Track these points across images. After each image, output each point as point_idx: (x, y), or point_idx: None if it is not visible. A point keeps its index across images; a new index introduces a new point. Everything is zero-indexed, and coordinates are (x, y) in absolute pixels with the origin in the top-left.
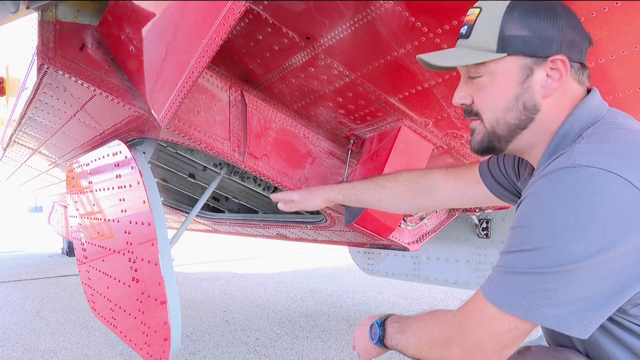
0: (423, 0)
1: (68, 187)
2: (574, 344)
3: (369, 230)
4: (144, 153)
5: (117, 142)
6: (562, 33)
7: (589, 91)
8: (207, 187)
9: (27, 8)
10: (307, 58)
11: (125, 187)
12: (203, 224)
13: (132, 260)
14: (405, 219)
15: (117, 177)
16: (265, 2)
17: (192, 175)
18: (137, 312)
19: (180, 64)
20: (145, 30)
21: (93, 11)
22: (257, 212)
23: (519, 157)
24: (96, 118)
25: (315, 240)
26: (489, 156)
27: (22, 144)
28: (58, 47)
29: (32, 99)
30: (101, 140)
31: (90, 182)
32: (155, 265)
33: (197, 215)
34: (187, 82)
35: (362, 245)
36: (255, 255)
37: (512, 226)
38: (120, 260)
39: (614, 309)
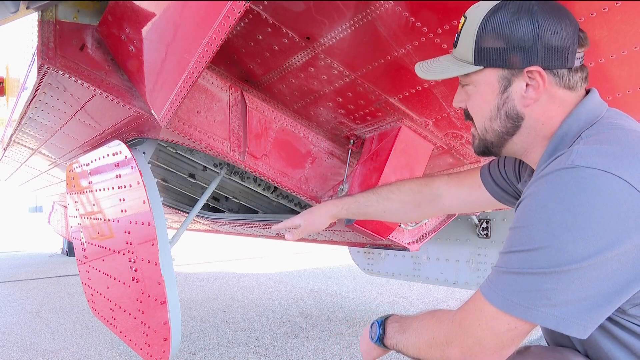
0: (423, 0)
1: (68, 187)
2: (574, 344)
3: (369, 230)
4: (144, 153)
5: (117, 142)
6: (540, 42)
7: (588, 91)
8: (207, 187)
9: (27, 8)
10: (307, 58)
11: (125, 187)
12: (203, 224)
13: (132, 260)
14: None
15: (117, 177)
16: (265, 2)
17: (192, 175)
18: (137, 312)
19: (180, 64)
20: (145, 30)
21: (93, 11)
22: (257, 212)
23: (520, 159)
24: (96, 118)
25: (315, 240)
26: (490, 159)
27: (22, 144)
28: (58, 47)
29: (32, 99)
30: (101, 140)
31: (90, 182)
32: (155, 265)
33: (197, 215)
34: (187, 82)
35: (362, 245)
36: (255, 255)
37: (511, 226)
38: (120, 260)
39: (612, 309)
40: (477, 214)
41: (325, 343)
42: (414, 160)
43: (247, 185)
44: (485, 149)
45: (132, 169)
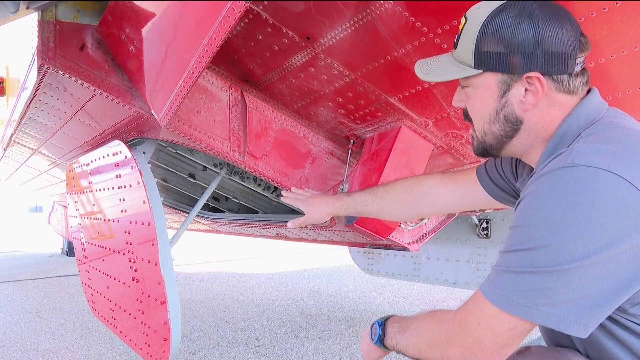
0: (423, 0)
1: (68, 187)
2: (574, 344)
3: (368, 230)
4: (144, 153)
5: (117, 142)
6: (540, 48)
7: (589, 91)
8: (207, 187)
9: (27, 8)
10: (307, 58)
11: (125, 187)
12: (203, 224)
13: (132, 260)
14: None
15: (117, 177)
16: (265, 2)
17: (192, 175)
18: (137, 312)
19: (180, 64)
20: (145, 30)
21: (93, 11)
22: (257, 212)
23: (517, 158)
24: (96, 118)
25: (315, 240)
26: (488, 158)
27: (22, 144)
28: (58, 47)
29: (32, 99)
30: (101, 140)
31: (90, 182)
32: (155, 265)
33: (197, 215)
34: (187, 82)
35: (362, 245)
36: (255, 255)
37: (511, 225)
38: (120, 260)
39: (613, 308)
40: (477, 213)
41: (325, 343)
42: (414, 160)
43: (247, 185)
44: (484, 151)
45: (132, 169)
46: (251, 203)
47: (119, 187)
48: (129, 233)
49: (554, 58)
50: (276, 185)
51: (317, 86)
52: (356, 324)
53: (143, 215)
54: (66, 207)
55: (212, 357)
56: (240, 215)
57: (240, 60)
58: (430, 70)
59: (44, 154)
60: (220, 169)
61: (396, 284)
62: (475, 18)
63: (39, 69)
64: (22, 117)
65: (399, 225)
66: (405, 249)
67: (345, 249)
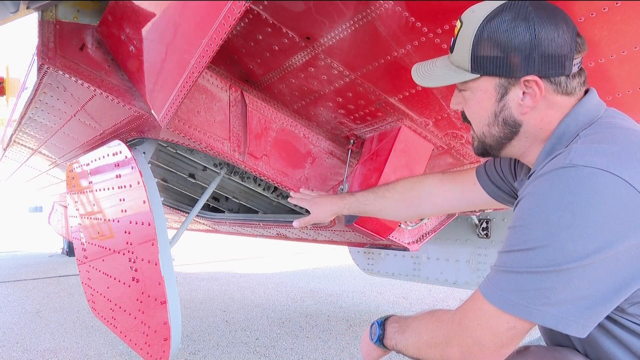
0: (423, 0)
1: (68, 187)
2: (573, 344)
3: (369, 230)
4: (144, 153)
5: (117, 142)
6: (537, 51)
7: (587, 91)
8: (207, 187)
9: (27, 8)
10: (307, 58)
11: (125, 187)
12: (203, 224)
13: (132, 260)
14: None
15: (117, 177)
16: (265, 2)
17: (192, 175)
18: (137, 312)
19: (180, 64)
20: (145, 30)
21: (93, 11)
22: (257, 212)
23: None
24: (96, 118)
25: (315, 240)
26: (488, 158)
27: (22, 144)
28: (58, 47)
29: (32, 99)
30: (101, 140)
31: (90, 182)
32: (155, 265)
33: (197, 215)
34: (187, 82)
35: (362, 245)
36: (255, 255)
37: (510, 226)
38: (120, 260)
39: (611, 307)
40: (477, 213)
41: (325, 343)
42: (414, 160)
43: (247, 185)
44: (484, 151)
45: (132, 169)
46: (251, 203)
47: (119, 187)
48: (129, 233)
49: (551, 60)
50: (276, 185)
51: (317, 86)
52: (356, 324)
53: (143, 215)
54: (66, 207)
55: (212, 357)
56: (240, 215)
57: (240, 60)
58: (427, 75)
59: (44, 154)
60: (220, 169)
61: (396, 284)
62: (470, 22)
63: (39, 69)
64: (22, 117)
65: (399, 225)
66: (405, 249)
67: (345, 249)
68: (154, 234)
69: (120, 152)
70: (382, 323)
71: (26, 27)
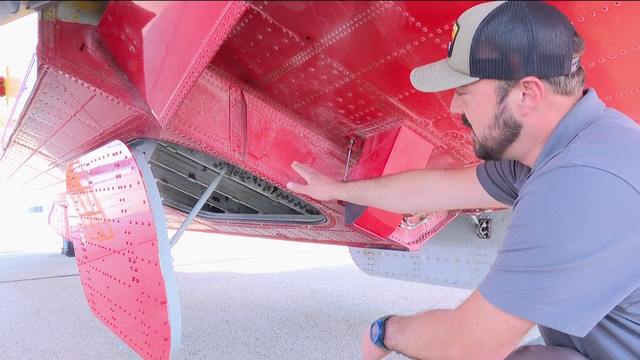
0: (423, 0)
1: (68, 187)
2: (573, 343)
3: (369, 230)
4: (144, 153)
5: (117, 142)
6: (535, 52)
7: (586, 91)
8: (207, 187)
9: (27, 8)
10: (307, 58)
11: (125, 187)
12: (203, 224)
13: (132, 260)
14: (405, 219)
15: (117, 177)
16: (265, 2)
17: (192, 175)
18: (137, 312)
19: (180, 64)
20: (145, 30)
21: (93, 11)
22: (257, 212)
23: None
24: (96, 118)
25: (315, 240)
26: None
27: (22, 144)
28: (58, 47)
29: (32, 99)
30: (101, 140)
31: (90, 182)
32: (155, 265)
33: (197, 215)
34: (187, 82)
35: (362, 245)
36: (255, 255)
37: (509, 225)
38: (120, 260)
39: (610, 307)
40: (477, 213)
41: (325, 343)
42: (414, 160)
43: (247, 185)
44: (486, 154)
45: (132, 169)
46: (251, 203)
47: (119, 187)
48: (129, 233)
49: (550, 61)
50: (276, 185)
51: (317, 86)
52: (356, 324)
53: (143, 215)
54: (66, 207)
55: (212, 357)
56: (240, 215)
57: (240, 60)
58: (427, 79)
59: (44, 154)
60: (220, 169)
61: (396, 284)
62: (467, 25)
63: (39, 69)
64: (22, 117)
65: (399, 225)
66: (405, 249)
67: (345, 249)
68: (154, 234)
69: (120, 152)
70: (383, 323)
71: (26, 27)
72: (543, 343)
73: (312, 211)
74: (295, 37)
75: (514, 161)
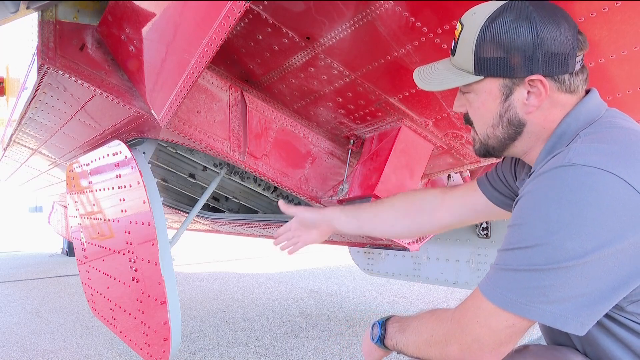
0: (423, 0)
1: (68, 187)
2: (573, 343)
3: None
4: (144, 153)
5: (117, 142)
6: (540, 50)
7: (588, 91)
8: (207, 187)
9: (27, 8)
10: (307, 58)
11: (125, 187)
12: (203, 224)
13: (132, 260)
14: None
15: (117, 177)
16: (265, 2)
17: (192, 175)
18: (137, 312)
19: (180, 64)
20: (145, 31)
21: (93, 11)
22: (257, 212)
23: (516, 158)
24: (96, 118)
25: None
26: (487, 166)
27: (22, 144)
28: (58, 47)
29: (32, 99)
30: (101, 140)
31: (90, 182)
32: (155, 265)
33: (197, 215)
34: (187, 82)
35: (362, 245)
36: (255, 255)
37: (509, 224)
38: (120, 260)
39: (610, 306)
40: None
41: (325, 343)
42: (414, 160)
43: (247, 185)
44: (486, 152)
45: (132, 169)
46: (251, 203)
47: (119, 187)
48: (129, 233)
49: (555, 59)
50: (276, 185)
51: (317, 86)
52: (356, 324)
53: (143, 215)
54: (66, 207)
55: (212, 357)
56: (240, 215)
57: (240, 60)
58: (431, 79)
59: (44, 154)
60: (220, 169)
61: (396, 284)
62: (471, 24)
63: (39, 69)
64: (22, 117)
65: None
66: (405, 249)
67: (345, 249)
68: (154, 234)
69: (120, 152)
70: (383, 323)
71: (26, 27)
72: (543, 342)
73: None
74: (295, 37)
75: (515, 161)
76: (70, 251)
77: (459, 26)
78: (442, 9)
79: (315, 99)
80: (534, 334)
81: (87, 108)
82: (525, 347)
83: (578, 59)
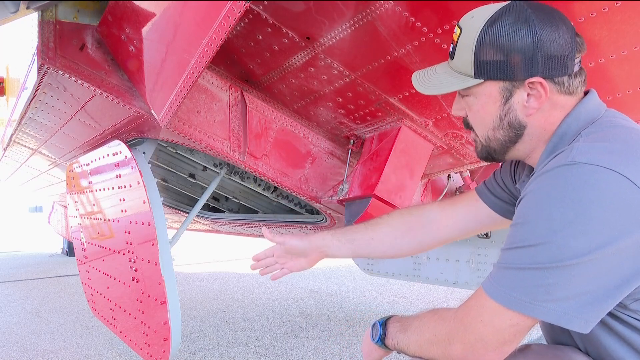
0: (423, 0)
1: (68, 187)
2: (574, 342)
3: None
4: (144, 153)
5: (117, 142)
6: (540, 53)
7: (586, 92)
8: (207, 187)
9: (27, 8)
10: (307, 58)
11: (125, 187)
12: (203, 224)
13: (132, 260)
14: None
15: (117, 177)
16: (265, 2)
17: (192, 175)
18: (137, 312)
19: (180, 64)
20: (145, 31)
21: (93, 11)
22: (257, 212)
23: (516, 160)
24: (96, 118)
25: None
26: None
27: (22, 144)
28: (58, 47)
29: (32, 99)
30: (101, 140)
31: (90, 182)
32: (155, 265)
33: (197, 215)
34: (187, 82)
35: None
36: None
37: (512, 223)
38: (120, 260)
39: (614, 303)
40: None
41: (325, 343)
42: (414, 160)
43: (247, 185)
44: (488, 155)
45: (132, 169)
46: (251, 203)
47: (119, 187)
48: (129, 233)
49: (554, 61)
50: (276, 185)
51: (317, 86)
52: (356, 324)
53: (143, 215)
54: (66, 207)
55: (212, 357)
56: (240, 215)
57: (240, 60)
58: (429, 82)
59: (44, 154)
60: (220, 169)
61: (396, 284)
62: (470, 28)
63: (39, 69)
64: (22, 117)
65: None
66: None
67: None
68: (154, 234)
69: (120, 152)
70: (384, 323)
71: (26, 27)
72: (544, 342)
73: (312, 211)
74: (295, 37)
75: (515, 163)
76: (70, 251)
77: (457, 30)
78: (442, 9)
79: (315, 99)
80: (534, 334)
81: (87, 108)
82: (527, 346)
83: (576, 60)
